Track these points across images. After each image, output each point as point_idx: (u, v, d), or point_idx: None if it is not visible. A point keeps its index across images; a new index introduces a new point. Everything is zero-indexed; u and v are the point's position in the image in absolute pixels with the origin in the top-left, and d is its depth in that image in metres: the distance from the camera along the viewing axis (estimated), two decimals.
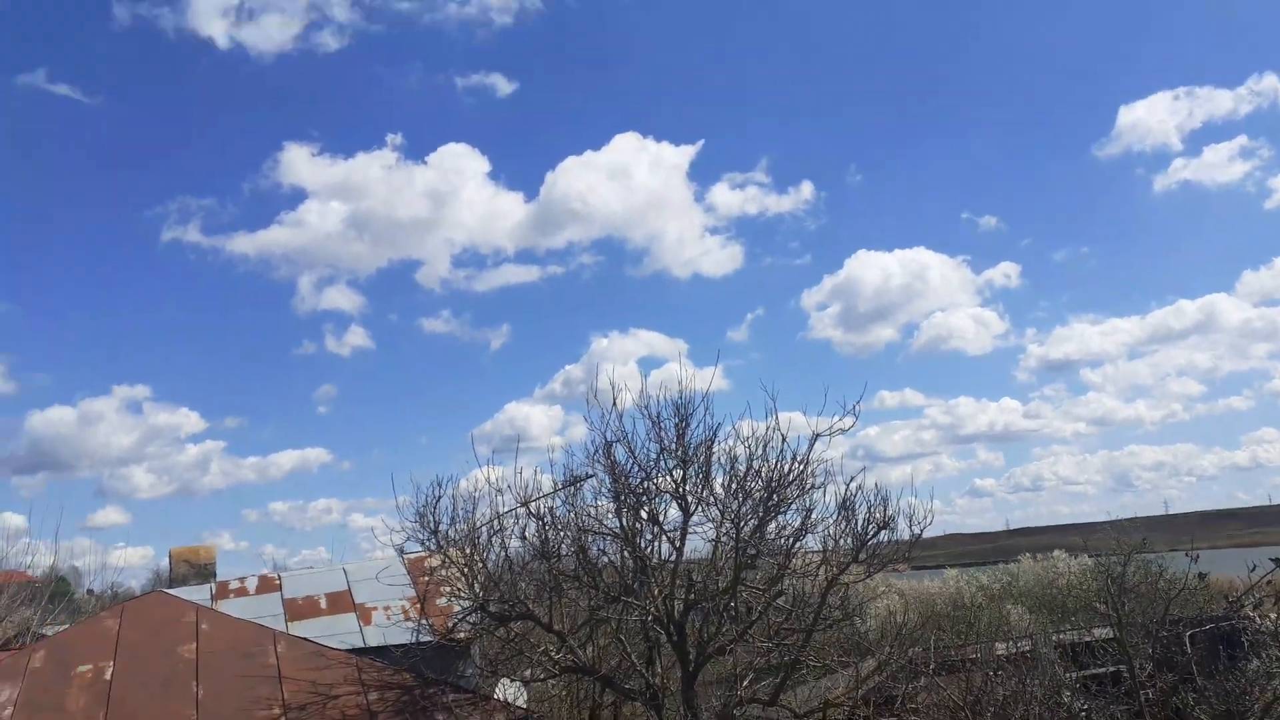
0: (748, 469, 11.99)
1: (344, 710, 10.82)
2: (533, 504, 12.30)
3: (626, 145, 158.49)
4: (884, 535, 11.96)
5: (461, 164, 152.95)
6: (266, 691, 11.04)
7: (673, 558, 12.33)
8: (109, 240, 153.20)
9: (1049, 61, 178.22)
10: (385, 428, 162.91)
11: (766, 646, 12.72)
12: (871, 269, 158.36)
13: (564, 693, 15.23)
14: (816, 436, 11.91)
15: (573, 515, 12.59)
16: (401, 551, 13.37)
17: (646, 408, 12.15)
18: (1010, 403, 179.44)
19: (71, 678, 11.11)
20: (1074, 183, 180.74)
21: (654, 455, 12.06)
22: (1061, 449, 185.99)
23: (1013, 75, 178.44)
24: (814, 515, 12.16)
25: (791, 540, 12.38)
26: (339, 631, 13.12)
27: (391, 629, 13.09)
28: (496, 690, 13.44)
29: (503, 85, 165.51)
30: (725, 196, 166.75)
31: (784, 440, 11.91)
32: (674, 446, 12.02)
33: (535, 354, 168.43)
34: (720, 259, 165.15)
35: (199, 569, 15.34)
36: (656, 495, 12.27)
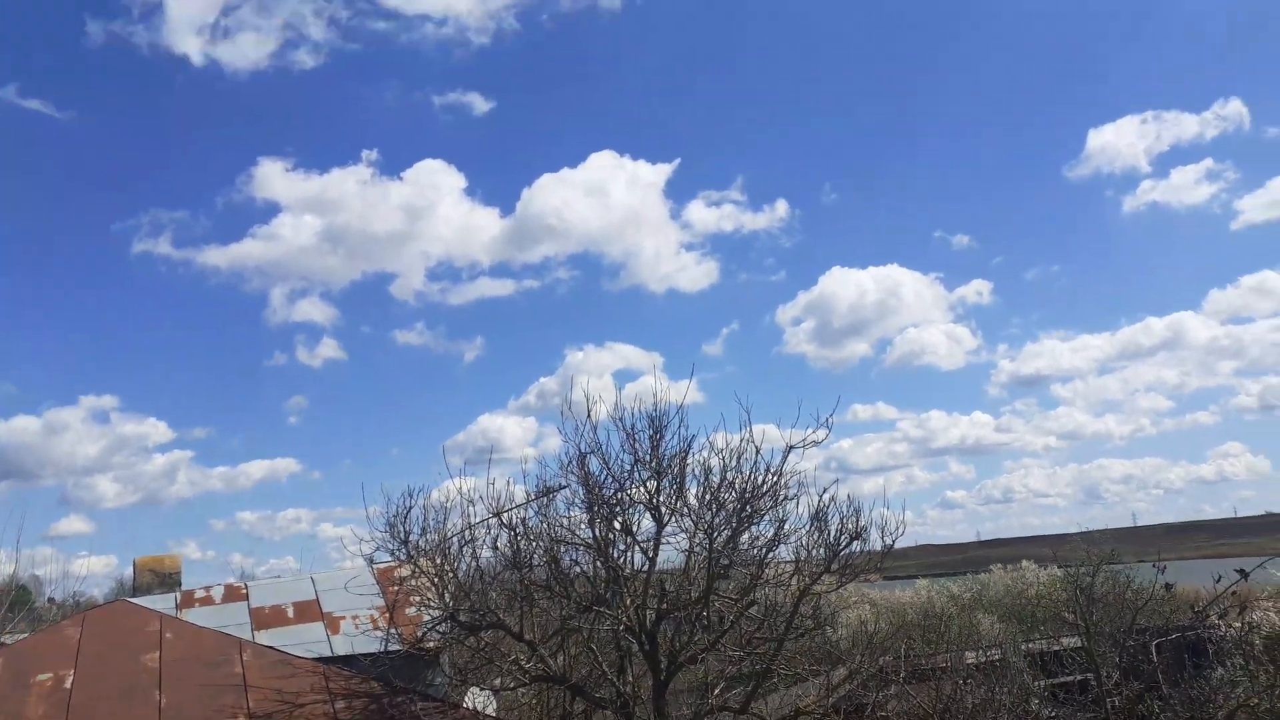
0: (721, 480, 12.00)
1: (310, 719, 10.68)
2: (505, 514, 12.24)
3: (603, 163, 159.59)
4: (856, 546, 12.00)
5: (437, 179, 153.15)
6: (231, 700, 10.87)
7: (645, 568, 12.30)
8: (78, 252, 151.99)
9: (1021, 84, 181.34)
10: (356, 439, 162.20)
11: (738, 655, 12.71)
12: (845, 285, 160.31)
13: (534, 701, 15.13)
14: (790, 449, 11.94)
15: (545, 526, 12.54)
16: (371, 561, 13.25)
17: (621, 419, 12.14)
18: (982, 417, 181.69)
19: (30, 686, 10.88)
20: (1045, 203, 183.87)
21: (628, 466, 12.05)
22: (1032, 462, 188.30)
23: (985, 97, 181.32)
24: (787, 526, 12.19)
25: (764, 550, 12.40)
26: (306, 640, 12.96)
27: (360, 638, 12.95)
28: (466, 699, 13.33)
29: (480, 104, 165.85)
30: (701, 214, 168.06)
31: (758, 452, 11.94)
32: (648, 458, 12.00)
33: (509, 366, 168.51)
34: (696, 275, 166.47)
35: (164, 578, 15.10)
36: (630, 506, 12.25)
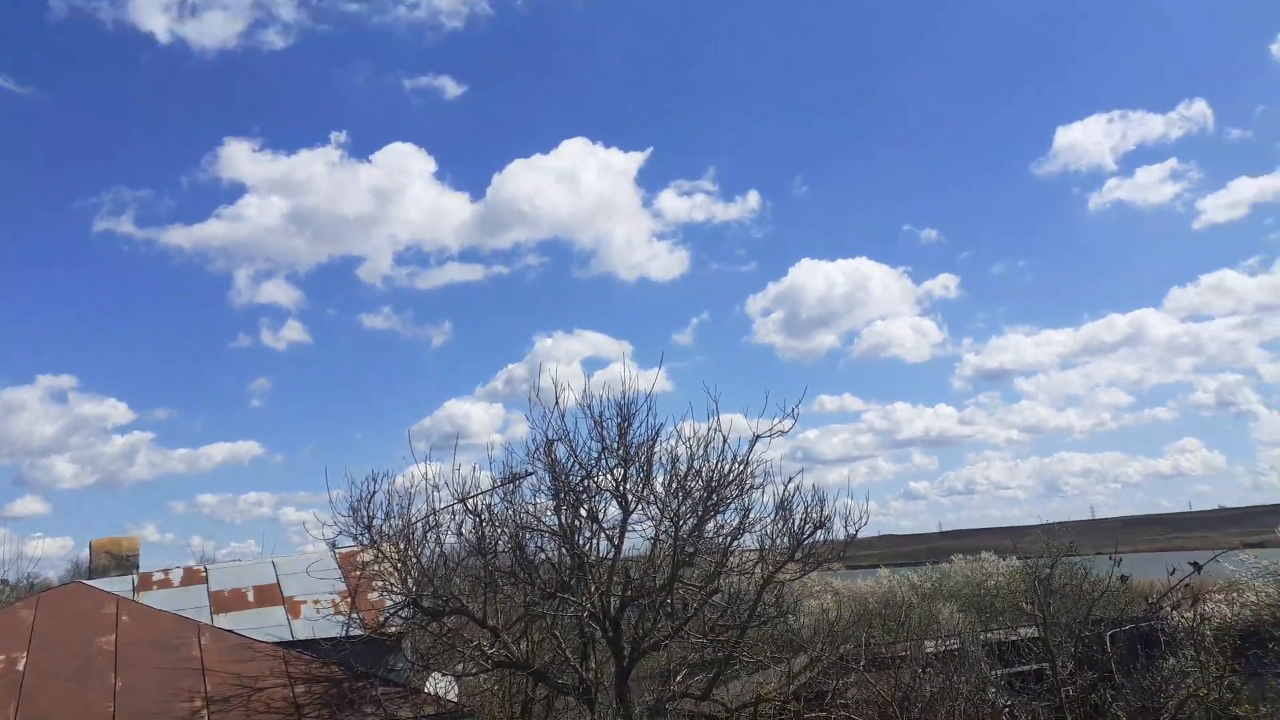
0: (688, 469, 12.05)
1: (269, 703, 10.59)
2: (470, 500, 12.18)
3: (575, 150, 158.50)
4: (820, 535, 12.11)
5: (407, 163, 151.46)
6: (188, 684, 10.76)
7: (611, 555, 12.31)
8: (37, 229, 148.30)
9: (991, 81, 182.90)
10: (320, 422, 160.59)
11: (701, 643, 12.78)
12: (815, 277, 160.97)
13: (496, 687, 15.11)
14: (757, 438, 12.01)
15: (511, 512, 12.52)
16: (334, 546, 13.14)
17: (589, 407, 12.14)
18: (946, 409, 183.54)
19: None
20: (1013, 199, 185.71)
21: (595, 454, 12.06)
22: (994, 454, 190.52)
23: (956, 93, 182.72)
24: (752, 515, 12.28)
25: (730, 539, 12.46)
26: (266, 624, 12.84)
27: (321, 622, 12.85)
28: (428, 684, 13.28)
29: (451, 87, 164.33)
30: (673, 203, 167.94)
31: (725, 441, 12.01)
32: (615, 445, 12.00)
33: (477, 352, 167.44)
34: (667, 264, 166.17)
35: (121, 560, 14.86)
36: (597, 493, 12.26)
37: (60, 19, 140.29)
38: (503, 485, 12.59)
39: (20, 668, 10.74)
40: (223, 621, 12.77)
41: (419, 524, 12.37)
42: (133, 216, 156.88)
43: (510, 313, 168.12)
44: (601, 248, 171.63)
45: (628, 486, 12.06)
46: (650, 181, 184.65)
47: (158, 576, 14.31)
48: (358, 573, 13.23)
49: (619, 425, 12.01)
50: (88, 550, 15.61)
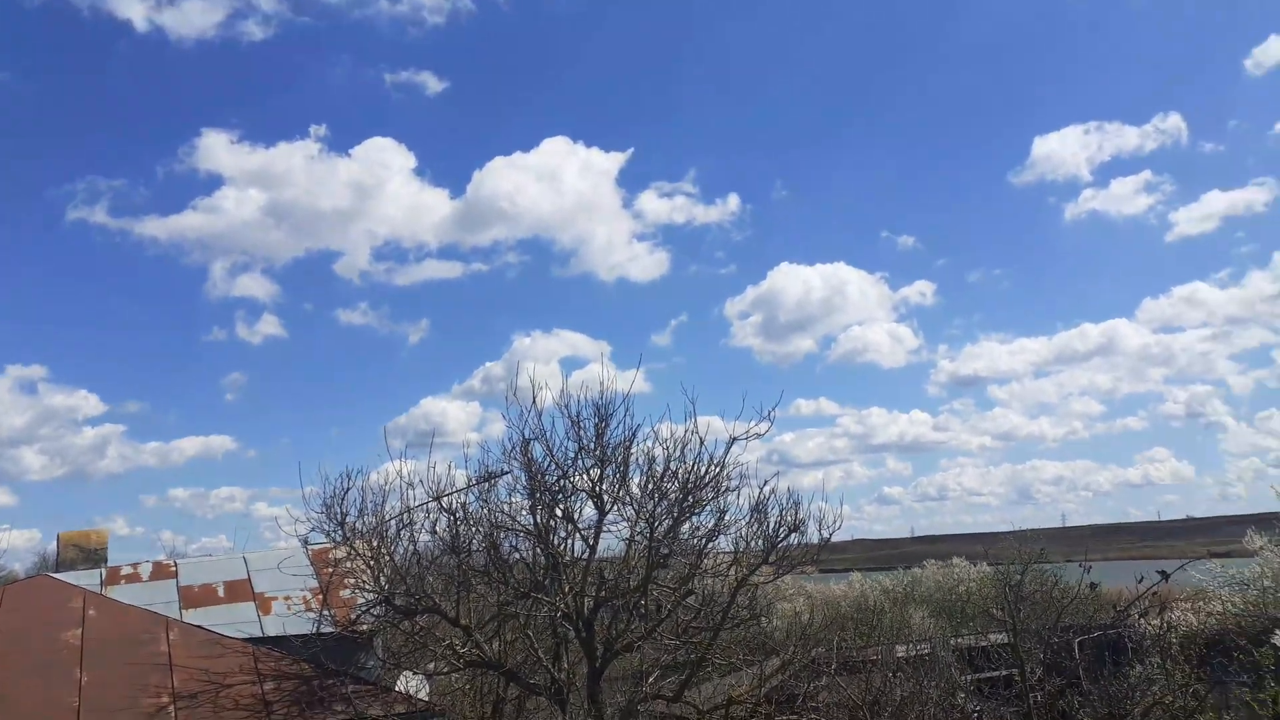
0: (665, 470, 12.04)
1: (237, 699, 10.49)
2: (445, 499, 12.12)
3: (556, 149, 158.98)
4: (794, 538, 12.14)
5: (387, 158, 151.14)
6: (156, 679, 10.63)
7: (586, 555, 12.29)
8: (8, 217, 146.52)
9: (970, 91, 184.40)
10: (295, 417, 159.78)
11: (674, 644, 12.78)
12: (793, 281, 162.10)
13: (467, 686, 15.06)
14: (733, 440, 12.03)
15: (486, 511, 12.47)
16: (306, 542, 13.05)
17: (566, 407, 12.11)
18: (920, 415, 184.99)
19: None
20: (989, 207, 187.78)
21: (572, 454, 12.03)
22: (967, 461, 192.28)
23: (935, 102, 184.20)
24: (727, 517, 12.30)
25: (704, 541, 12.47)
26: (236, 620, 12.73)
27: (292, 619, 12.75)
28: (398, 683, 13.21)
29: (433, 83, 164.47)
30: (653, 204, 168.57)
31: (701, 443, 12.01)
32: (592, 446, 11.98)
33: (455, 350, 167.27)
34: (647, 265, 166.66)
35: (89, 554, 14.68)
36: (572, 493, 12.23)
37: (36, 5, 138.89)
38: (478, 484, 12.54)
39: None
40: (192, 617, 12.65)
41: (393, 522, 12.31)
42: (107, 206, 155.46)
43: (488, 311, 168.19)
44: (581, 247, 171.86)
45: (604, 487, 12.05)
46: (631, 182, 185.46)
47: (126, 571, 14.15)
48: (330, 569, 13.15)
49: (596, 425, 12.00)
50: (55, 543, 15.42)
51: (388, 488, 12.24)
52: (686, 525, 12.31)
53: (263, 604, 13.27)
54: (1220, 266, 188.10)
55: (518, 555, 12.75)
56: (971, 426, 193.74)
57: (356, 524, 12.18)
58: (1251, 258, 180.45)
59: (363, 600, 12.42)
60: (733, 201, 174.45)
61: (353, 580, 12.50)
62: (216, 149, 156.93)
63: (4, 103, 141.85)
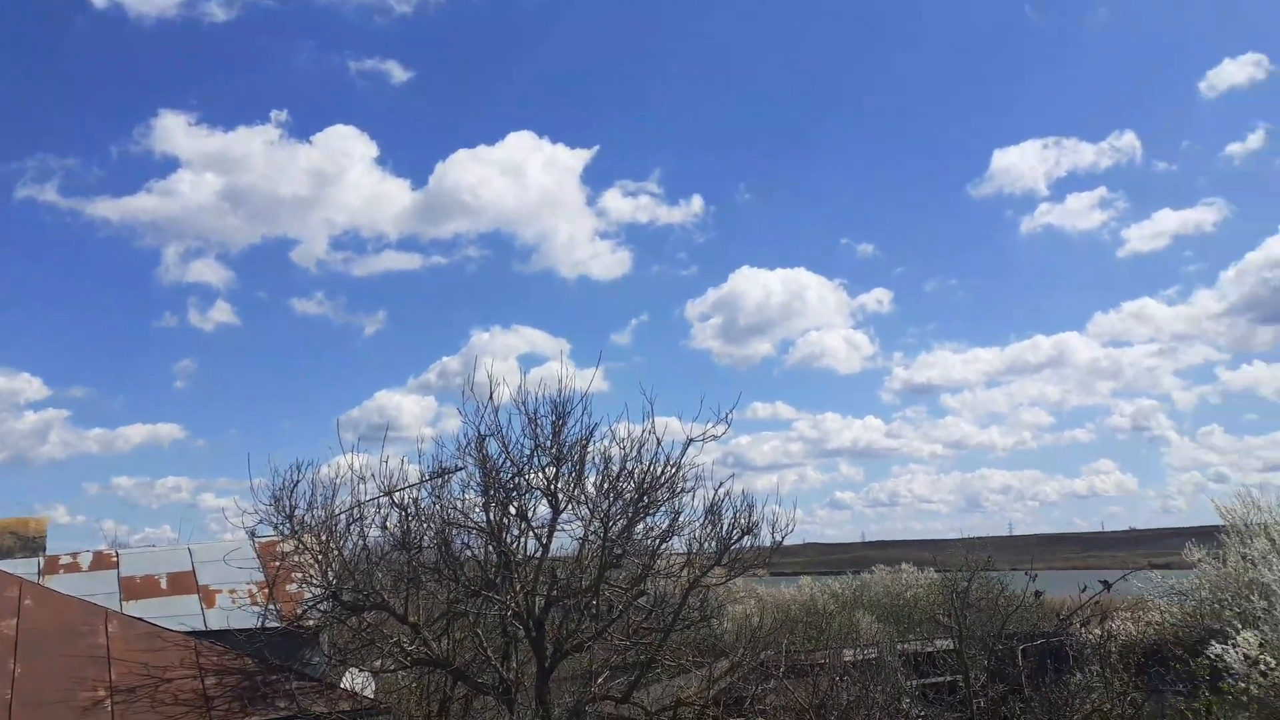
0: (621, 469, 12.02)
1: (177, 694, 10.27)
2: (397, 494, 11.99)
3: (521, 143, 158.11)
4: (747, 540, 12.19)
5: (348, 146, 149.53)
6: (93, 672, 10.37)
7: (538, 554, 12.24)
8: None
9: (932, 103, 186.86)
10: (246, 407, 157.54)
11: (624, 645, 12.77)
12: (754, 285, 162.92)
13: (414, 685, 14.91)
14: (690, 441, 12.04)
15: (438, 507, 12.35)
16: (253, 534, 12.85)
17: (524, 403, 12.03)
18: (874, 421, 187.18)
19: None
20: (948, 218, 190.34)
21: (528, 451, 11.96)
22: (918, 468, 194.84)
23: (898, 113, 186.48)
24: (682, 518, 12.31)
25: (658, 541, 12.48)
26: (179, 613, 12.49)
27: (236, 613, 12.55)
28: (344, 680, 13.05)
29: (398, 72, 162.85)
30: (617, 203, 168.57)
31: (659, 443, 12.02)
32: (549, 443, 11.93)
33: (412, 343, 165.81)
34: (609, 263, 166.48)
35: (27, 541, 14.32)
36: (527, 491, 12.16)
37: None
38: (431, 479, 12.43)
39: None
40: (133, 609, 12.38)
41: (343, 516, 12.14)
42: (57, 185, 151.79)
43: (447, 304, 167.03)
44: (543, 243, 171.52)
45: (559, 485, 12.01)
46: (595, 180, 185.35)
47: (65, 560, 13.84)
48: (277, 563, 12.95)
49: (553, 423, 11.95)
50: None
51: (339, 481, 12.10)
52: (641, 526, 12.32)
53: (207, 597, 13.04)
54: (1169, 284, 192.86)
55: (469, 553, 12.66)
56: (923, 434, 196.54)
57: (305, 517, 12.01)
58: (1199, 276, 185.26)
59: (310, 595, 12.25)
60: (696, 203, 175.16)
61: (300, 574, 12.32)
62: (174, 131, 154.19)
63: None
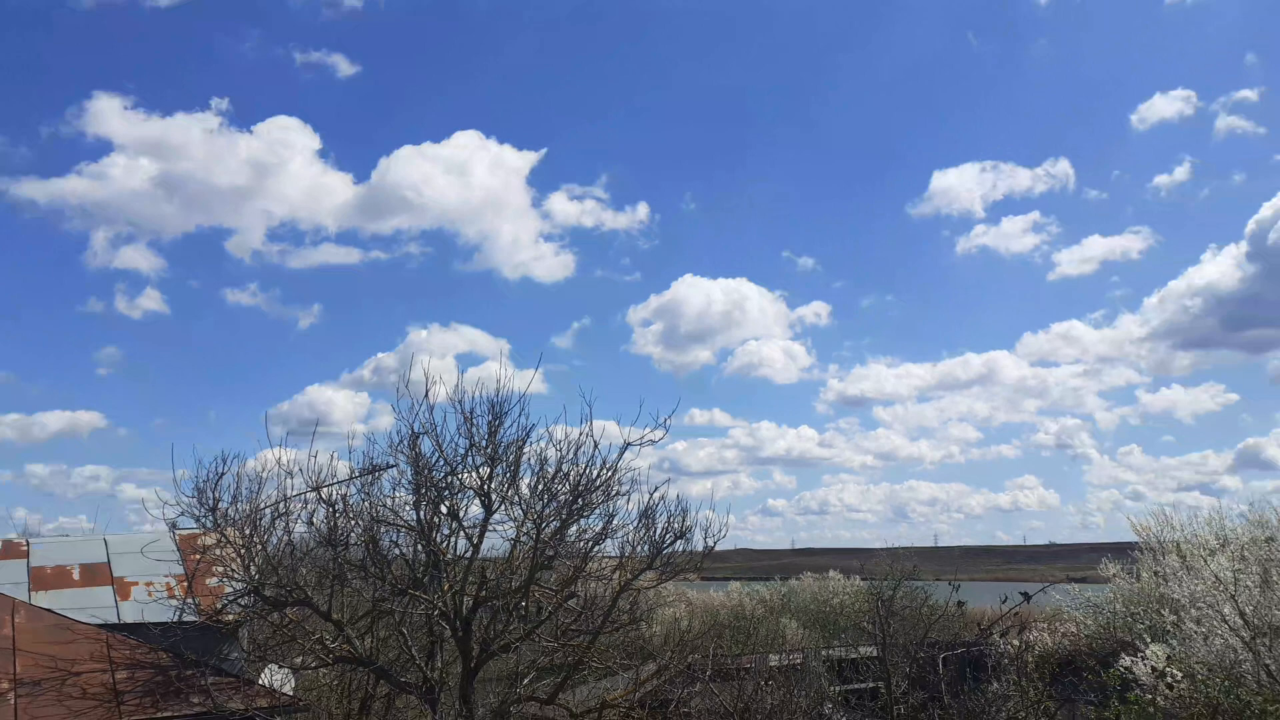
0: (556, 471, 11.97)
1: (85, 687, 9.93)
2: (325, 490, 11.75)
3: (467, 142, 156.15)
4: (680, 545, 12.23)
5: (290, 137, 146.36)
6: None
7: (469, 554, 12.11)
8: None
9: (876, 123, 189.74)
10: (171, 397, 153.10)
11: (552, 646, 12.71)
12: (696, 293, 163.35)
13: (335, 682, 14.65)
14: (627, 445, 12.05)
15: (367, 504, 12.13)
16: (174, 527, 12.48)
17: (460, 402, 11.91)
18: (808, 431, 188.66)
19: None
20: (887, 236, 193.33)
21: (462, 450, 11.84)
22: (849, 478, 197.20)
23: (843, 132, 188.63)
24: (615, 521, 12.29)
25: (591, 544, 12.44)
26: (91, 605, 12.08)
27: (152, 606, 12.18)
28: (262, 676, 12.74)
29: (344, 66, 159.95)
30: (563, 206, 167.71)
31: (596, 447, 11.99)
32: (484, 443, 11.82)
33: (346, 338, 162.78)
34: (552, 266, 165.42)
35: None
36: (460, 490, 12.03)
37: None
38: (361, 476, 12.21)
39: None
40: (42, 600, 11.94)
41: (268, 510, 11.86)
42: None
43: (385, 300, 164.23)
44: (486, 243, 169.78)
45: (492, 485, 11.90)
46: (542, 182, 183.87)
47: None
48: (198, 556, 12.60)
49: (490, 423, 11.85)
50: None
51: (265, 475, 11.83)
52: (574, 528, 12.27)
53: (121, 589, 12.63)
54: (1095, 307, 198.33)
55: (398, 551, 12.47)
56: (855, 445, 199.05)
57: (229, 511, 11.70)
58: (1124, 301, 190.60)
59: (230, 589, 11.95)
60: (642, 210, 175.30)
61: (221, 568, 12.00)
62: (108, 113, 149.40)
63: None
